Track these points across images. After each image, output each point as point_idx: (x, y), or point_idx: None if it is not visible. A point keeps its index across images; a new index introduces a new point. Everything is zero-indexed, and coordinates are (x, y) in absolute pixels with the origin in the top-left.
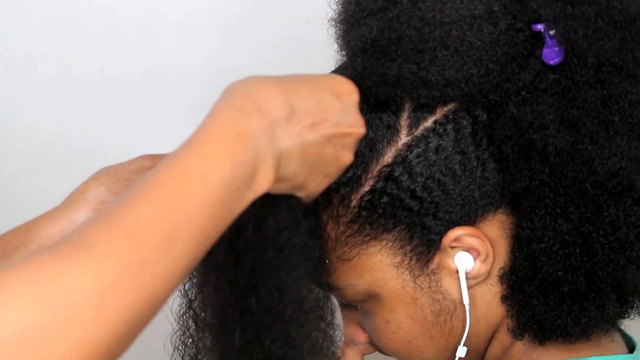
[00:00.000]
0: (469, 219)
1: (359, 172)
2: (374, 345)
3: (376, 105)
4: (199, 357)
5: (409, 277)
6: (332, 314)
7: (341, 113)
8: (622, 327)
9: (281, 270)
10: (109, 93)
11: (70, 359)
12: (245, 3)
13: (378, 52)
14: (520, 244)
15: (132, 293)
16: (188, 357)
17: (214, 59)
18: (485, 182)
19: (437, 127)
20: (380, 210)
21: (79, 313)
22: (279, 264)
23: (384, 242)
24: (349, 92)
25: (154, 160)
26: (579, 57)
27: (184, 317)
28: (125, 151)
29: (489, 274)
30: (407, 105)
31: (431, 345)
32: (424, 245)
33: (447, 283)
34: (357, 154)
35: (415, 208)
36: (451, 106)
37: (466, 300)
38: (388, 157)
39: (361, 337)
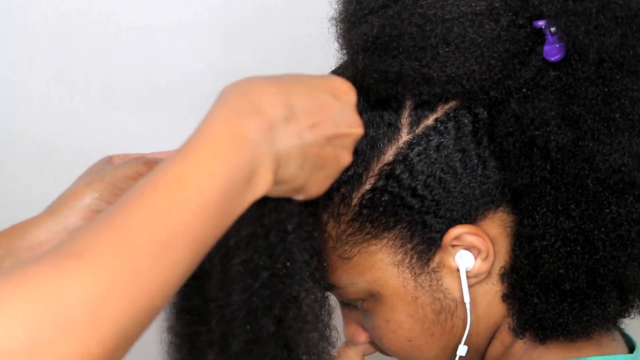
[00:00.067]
0: (470, 217)
1: (360, 171)
2: (375, 345)
3: (377, 103)
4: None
5: (409, 275)
6: (329, 314)
7: (340, 113)
8: (623, 327)
9: (282, 272)
10: (109, 94)
11: None
12: (246, 4)
13: (379, 50)
14: (521, 242)
15: (126, 302)
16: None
17: (214, 60)
18: (486, 180)
19: (438, 125)
20: (381, 209)
21: (72, 324)
22: (280, 266)
23: (385, 241)
24: (346, 91)
25: (148, 166)
26: (580, 53)
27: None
28: (126, 152)
29: (489, 272)
30: (408, 103)
31: (432, 344)
32: (425, 243)
33: (448, 282)
34: (358, 152)
35: (416, 206)
36: (452, 104)
37: (467, 299)
38: (389, 155)
39: (362, 336)
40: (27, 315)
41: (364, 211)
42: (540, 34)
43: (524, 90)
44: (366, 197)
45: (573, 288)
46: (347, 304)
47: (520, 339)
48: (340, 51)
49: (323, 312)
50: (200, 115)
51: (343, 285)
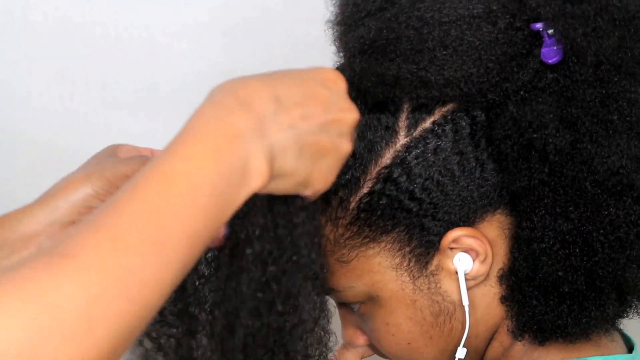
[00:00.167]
0: (468, 220)
1: (358, 174)
2: (373, 347)
3: (374, 106)
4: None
5: (408, 278)
6: (328, 319)
7: (330, 100)
8: (622, 327)
9: (283, 275)
10: (109, 94)
11: None
12: (246, 4)
13: (376, 53)
14: (519, 244)
15: (121, 302)
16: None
17: (214, 60)
18: (484, 183)
19: (436, 128)
20: (379, 212)
21: (66, 326)
22: (281, 268)
23: (383, 244)
24: (335, 80)
25: None
26: (578, 55)
27: (179, 317)
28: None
29: (488, 274)
30: (406, 106)
31: (430, 347)
32: (423, 246)
33: (446, 284)
34: (356, 156)
35: (414, 209)
36: (449, 107)
37: (465, 302)
38: (387, 158)
39: (360, 339)
40: (21, 318)
41: (362, 215)
42: (537, 36)
43: (521, 92)
44: (364, 200)
45: (572, 290)
46: (346, 307)
47: (519, 340)
48: (337, 54)
49: (322, 316)
50: None
51: (341, 288)
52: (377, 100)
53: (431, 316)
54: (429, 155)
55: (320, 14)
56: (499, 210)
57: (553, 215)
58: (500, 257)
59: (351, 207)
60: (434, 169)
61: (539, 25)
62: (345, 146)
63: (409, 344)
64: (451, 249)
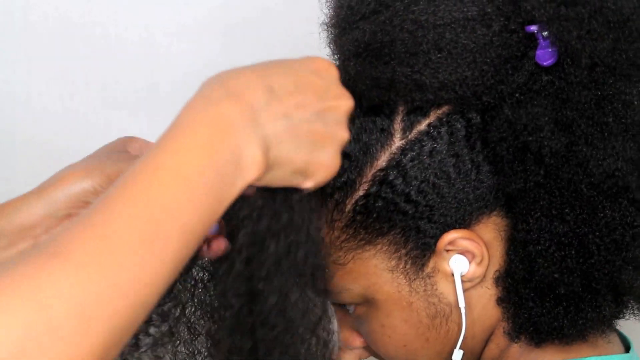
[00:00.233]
0: (464, 222)
1: (353, 177)
2: (370, 349)
3: (369, 109)
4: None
5: (404, 281)
6: (330, 319)
7: (323, 88)
8: (618, 327)
9: (282, 276)
10: (109, 94)
11: None
12: (246, 4)
13: (371, 56)
14: (515, 246)
15: (115, 300)
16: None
17: (214, 60)
18: (479, 185)
19: (431, 130)
20: (375, 215)
21: (59, 326)
22: (282, 269)
23: (379, 246)
24: (326, 67)
25: None
26: (573, 58)
27: (177, 322)
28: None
29: (484, 276)
30: (401, 109)
31: (427, 349)
32: (419, 248)
33: (443, 286)
34: (351, 158)
35: (410, 212)
36: (445, 109)
37: (462, 303)
38: (382, 161)
39: (357, 341)
40: (14, 319)
41: (358, 217)
42: (532, 38)
43: (516, 95)
44: (360, 203)
45: (568, 292)
46: (342, 309)
47: (516, 342)
48: (331, 56)
49: (323, 317)
50: None
51: (338, 290)
52: (372, 103)
53: (427, 318)
54: (425, 157)
55: (321, 15)
56: (495, 212)
57: (549, 217)
58: (497, 259)
59: (347, 209)
60: (430, 171)
61: (533, 28)
62: (343, 133)
63: (405, 346)
64: (447, 251)
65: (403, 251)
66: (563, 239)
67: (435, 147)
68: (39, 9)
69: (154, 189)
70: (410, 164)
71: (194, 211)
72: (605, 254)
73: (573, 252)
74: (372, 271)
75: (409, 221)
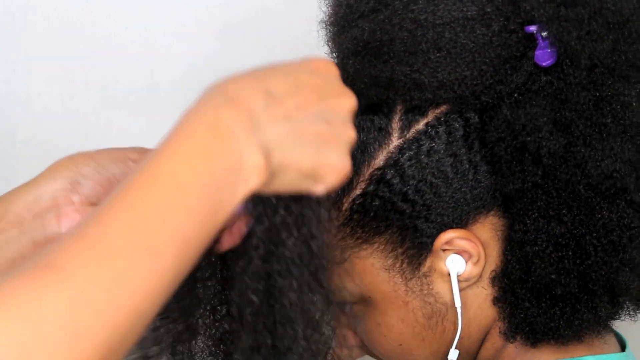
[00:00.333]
0: (461, 222)
1: (351, 175)
2: (365, 348)
3: (367, 107)
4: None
5: (400, 280)
6: (332, 316)
7: (323, 87)
8: (614, 327)
9: (299, 271)
10: (109, 94)
11: None
12: (246, 4)
13: (370, 54)
14: (512, 246)
15: (108, 313)
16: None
17: (214, 60)
18: (477, 185)
19: (429, 130)
20: (372, 213)
21: (52, 341)
22: (283, 271)
23: (376, 245)
24: (326, 66)
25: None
26: (572, 58)
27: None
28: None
29: (480, 276)
30: (399, 108)
31: (422, 348)
32: (416, 248)
33: (439, 286)
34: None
35: (407, 211)
36: (443, 108)
37: (458, 303)
38: (380, 159)
39: (352, 340)
40: (4, 333)
41: (355, 216)
42: (531, 38)
43: (515, 95)
44: (357, 201)
45: (564, 293)
46: (338, 307)
47: (512, 342)
48: (330, 55)
49: (324, 315)
50: None
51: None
52: (370, 101)
53: (423, 317)
54: (422, 157)
55: (320, 14)
56: (492, 212)
57: (546, 217)
58: (493, 259)
59: (344, 208)
60: (427, 170)
61: (533, 28)
62: (349, 132)
63: (400, 345)
64: (444, 250)
65: (400, 250)
66: (560, 239)
67: (433, 146)
68: (39, 9)
69: (148, 197)
70: (408, 163)
71: (191, 219)
72: (603, 255)
73: (570, 253)
74: (368, 270)
75: (406, 220)
